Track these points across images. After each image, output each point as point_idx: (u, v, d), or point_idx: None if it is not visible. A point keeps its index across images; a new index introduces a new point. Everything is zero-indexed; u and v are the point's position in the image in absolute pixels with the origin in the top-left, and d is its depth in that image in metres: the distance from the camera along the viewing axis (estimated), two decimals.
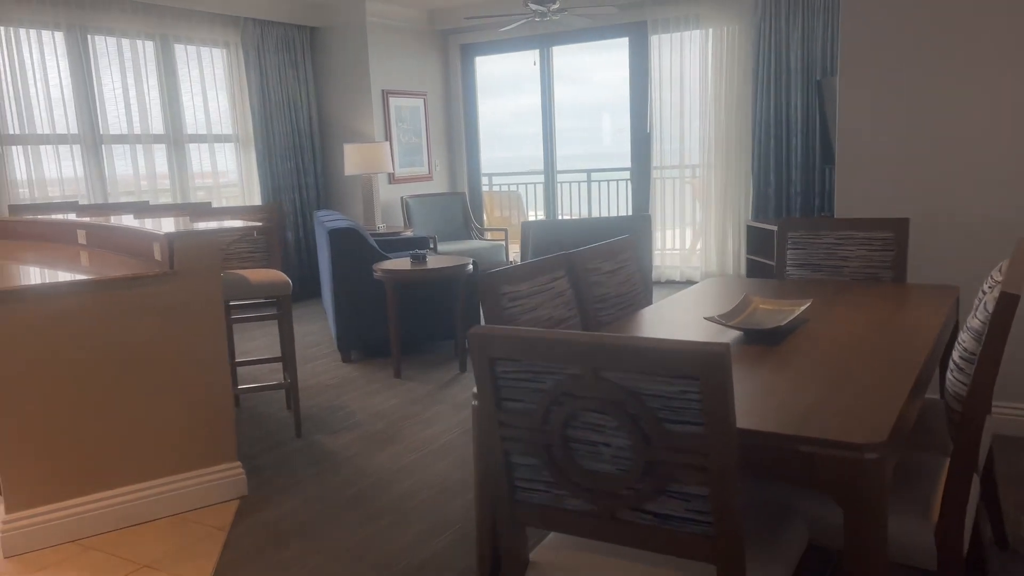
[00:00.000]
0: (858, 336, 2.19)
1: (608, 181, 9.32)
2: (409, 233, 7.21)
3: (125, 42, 6.26)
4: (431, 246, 6.70)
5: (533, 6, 6.24)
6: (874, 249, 3.13)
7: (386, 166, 7.05)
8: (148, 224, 3.34)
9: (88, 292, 2.81)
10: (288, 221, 7.37)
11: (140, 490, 2.97)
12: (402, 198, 7.62)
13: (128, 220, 3.65)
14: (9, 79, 5.54)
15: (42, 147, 5.77)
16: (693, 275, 7.42)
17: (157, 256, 3.08)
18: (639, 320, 2.55)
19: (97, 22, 6.02)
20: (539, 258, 2.45)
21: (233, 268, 4.03)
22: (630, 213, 7.80)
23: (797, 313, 2.32)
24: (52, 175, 5.87)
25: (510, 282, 2.28)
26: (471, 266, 4.87)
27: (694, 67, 6.96)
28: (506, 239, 7.68)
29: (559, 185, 8.40)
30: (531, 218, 9.01)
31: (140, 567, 2.65)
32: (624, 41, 7.42)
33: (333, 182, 7.80)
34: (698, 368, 1.33)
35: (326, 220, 5.60)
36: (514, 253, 8.35)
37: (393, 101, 7.67)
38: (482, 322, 2.63)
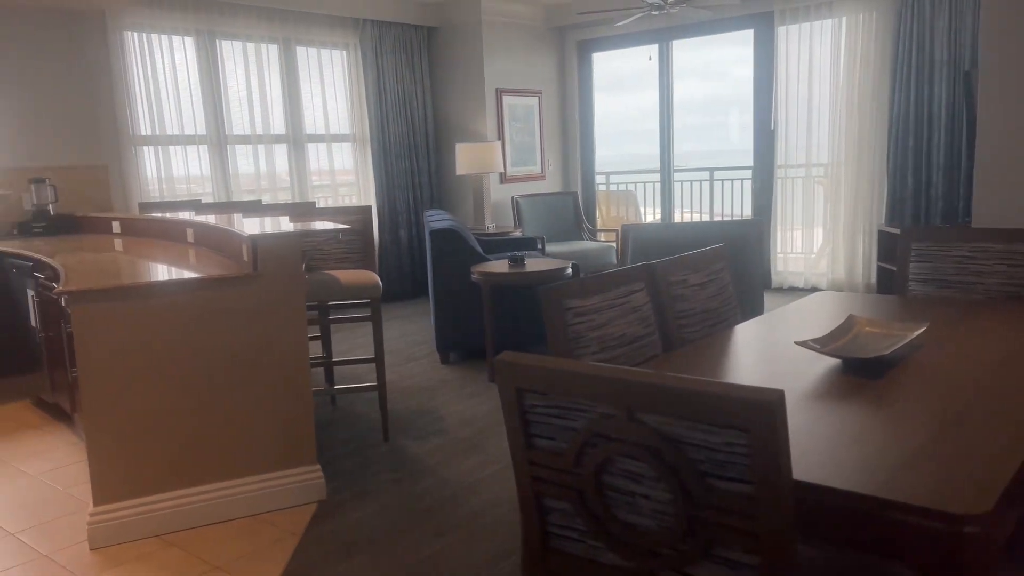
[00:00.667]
0: (979, 372, 1.88)
1: (731, 180, 8.88)
2: (518, 233, 7.12)
3: (250, 46, 6.50)
4: (539, 247, 6.57)
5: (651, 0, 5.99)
6: (1016, 265, 2.73)
7: (497, 166, 6.98)
8: (244, 224, 3.38)
9: (175, 292, 2.86)
10: (401, 220, 7.44)
11: (221, 489, 3.00)
12: (513, 198, 7.54)
13: (232, 220, 3.73)
14: (142, 83, 5.85)
15: (171, 147, 6.07)
16: (819, 282, 6.92)
17: (245, 257, 3.11)
18: (723, 341, 2.31)
19: (225, 27, 6.27)
20: (612, 269, 2.26)
21: (329, 268, 4.05)
22: (751, 214, 7.37)
23: (908, 339, 2.03)
24: (180, 173, 6.16)
25: (577, 295, 2.11)
26: (570, 269, 4.71)
27: (824, 59, 6.47)
28: (617, 240, 7.44)
29: (678, 184, 8.07)
30: (647, 219, 8.72)
31: (212, 568, 2.67)
32: (748, 34, 7.01)
33: (446, 181, 7.82)
34: (746, 418, 1.12)
35: (431, 220, 5.58)
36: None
37: (507, 100, 7.60)
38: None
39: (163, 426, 2.90)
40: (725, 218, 8.52)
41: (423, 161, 7.60)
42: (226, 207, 5.18)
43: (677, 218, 8.25)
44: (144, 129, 5.89)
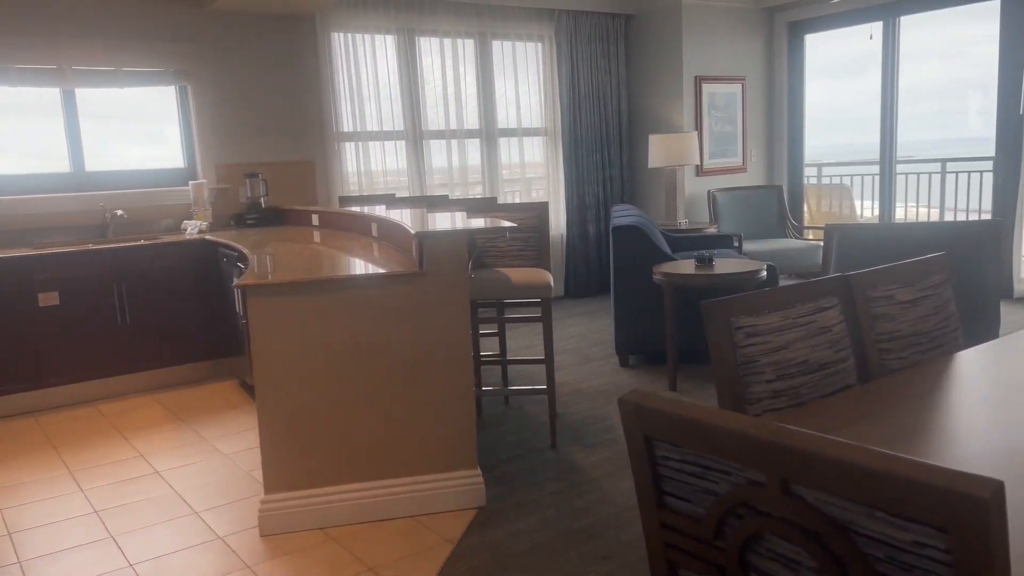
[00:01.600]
0: None
1: (968, 173, 7.81)
2: (713, 230, 6.70)
3: (447, 41, 6.59)
4: (735, 245, 6.12)
5: None
6: None
7: (692, 157, 6.59)
8: (414, 221, 3.36)
9: (342, 288, 2.87)
10: (589, 214, 7.26)
11: (382, 487, 2.99)
12: (709, 191, 7.10)
13: (409, 216, 3.74)
14: (346, 82, 6.12)
15: (371, 143, 6.30)
16: None
17: (414, 252, 3.07)
18: (937, 373, 1.90)
19: (424, 24, 6.41)
20: (797, 282, 1.93)
21: (504, 266, 3.96)
22: (991, 212, 6.41)
23: None
24: (378, 168, 6.39)
25: (749, 312, 1.81)
26: (765, 272, 4.29)
27: None
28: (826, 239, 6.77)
29: (902, 177, 7.21)
30: (864, 215, 7.89)
31: (366, 569, 2.65)
32: (993, 5, 6.07)
33: (638, 175, 7.53)
34: (946, 515, 0.82)
35: (617, 215, 5.36)
36: None
37: (706, 88, 7.16)
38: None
39: (329, 420, 2.93)
40: (956, 217, 7.51)
41: (615, 154, 7.36)
42: (415, 202, 5.27)
43: (900, 215, 7.38)
44: (347, 126, 6.15)
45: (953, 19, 6.66)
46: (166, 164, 5.62)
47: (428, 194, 6.55)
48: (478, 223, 3.09)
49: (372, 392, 2.95)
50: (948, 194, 7.84)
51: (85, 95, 5.26)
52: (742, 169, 7.53)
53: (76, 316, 4.67)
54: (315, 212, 5.26)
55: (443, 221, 3.27)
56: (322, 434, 2.93)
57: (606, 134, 7.30)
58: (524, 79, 7.01)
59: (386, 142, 6.38)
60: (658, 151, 6.62)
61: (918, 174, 7.70)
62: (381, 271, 2.94)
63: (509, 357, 4.20)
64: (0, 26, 4.83)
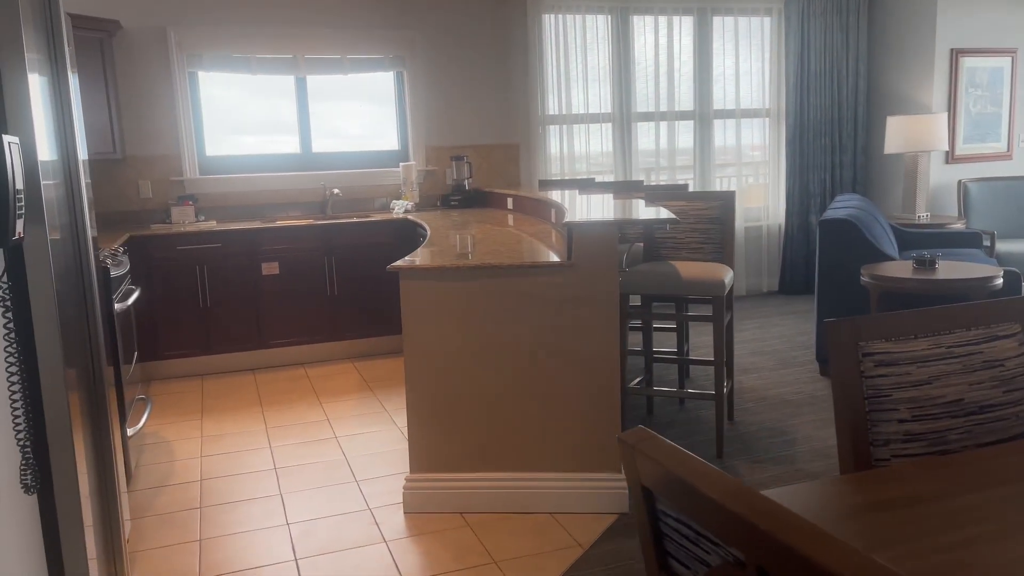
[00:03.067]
0: None
1: None
2: (959, 226, 5.84)
3: (662, 19, 6.33)
4: (984, 244, 5.29)
5: None
6: None
7: (939, 142, 5.77)
8: (567, 210, 3.25)
9: (490, 276, 2.84)
10: (813, 204, 6.65)
11: (523, 480, 2.95)
12: (960, 181, 6.19)
13: (581, 203, 3.64)
14: (555, 64, 6.09)
15: (575, 126, 6.24)
16: None
17: (565, 244, 2.97)
18: None
19: (639, 2, 6.20)
20: (960, 304, 1.57)
21: (681, 259, 3.72)
22: None
23: None
24: (581, 151, 6.30)
25: (886, 335, 1.51)
26: (1000, 279, 3.64)
27: None
28: None
29: None
30: None
31: (489, 562, 2.63)
32: None
33: (874, 162, 6.75)
34: None
35: (835, 206, 4.84)
36: None
37: (965, 62, 6.22)
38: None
39: (475, 407, 2.93)
40: None
41: (847, 138, 6.66)
42: (607, 187, 5.13)
43: None
44: (552, 109, 6.14)
45: None
46: (382, 146, 5.97)
47: (632, 178, 6.37)
48: (634, 214, 2.91)
49: (515, 382, 2.90)
50: None
51: (315, 81, 5.72)
52: (1006, 156, 6.48)
53: (292, 285, 5.13)
54: (510, 196, 5.31)
55: (604, 211, 3.12)
56: (465, 420, 2.94)
57: (837, 116, 6.62)
58: (746, 56, 6.55)
59: (591, 125, 6.28)
60: (897, 134, 5.88)
61: None
62: (529, 260, 2.87)
63: (690, 355, 3.96)
64: (242, 20, 5.38)
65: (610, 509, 2.92)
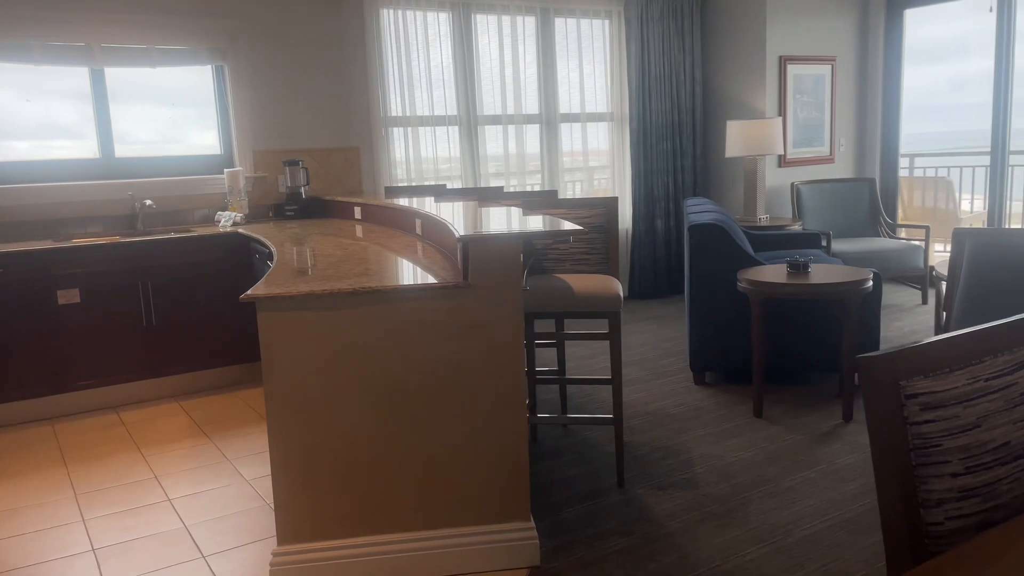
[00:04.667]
0: None
1: None
2: (797, 228, 6.03)
3: (506, 19, 6.06)
4: (822, 244, 5.46)
5: None
6: None
7: (776, 146, 5.93)
8: (461, 221, 2.85)
9: (369, 303, 2.38)
10: (658, 208, 6.65)
11: (421, 539, 2.50)
12: (792, 184, 6.42)
13: (456, 213, 3.24)
14: (395, 63, 5.63)
15: (421, 129, 5.82)
16: None
17: (458, 263, 2.57)
18: None
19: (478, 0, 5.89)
20: (996, 322, 1.35)
21: (564, 271, 3.43)
22: None
23: None
24: (428, 155, 5.90)
25: (927, 370, 1.25)
26: (871, 282, 3.66)
27: None
28: (927, 239, 6.05)
29: (1012, 170, 6.40)
30: (966, 211, 7.08)
31: None
32: None
33: (712, 165, 6.88)
34: None
35: (693, 210, 4.76)
36: (937, 259, 6.62)
37: (792, 69, 6.47)
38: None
39: (357, 459, 2.44)
40: None
41: (687, 142, 6.73)
42: (467, 194, 4.77)
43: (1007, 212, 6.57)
44: (395, 110, 5.68)
45: None
46: (201, 151, 5.23)
47: (482, 184, 6.05)
48: (536, 225, 2.56)
49: (405, 426, 2.45)
50: None
51: (115, 75, 4.89)
52: (829, 160, 6.81)
53: (98, 315, 4.31)
54: (358, 204, 4.80)
55: (496, 222, 2.74)
56: (346, 475, 2.45)
57: (678, 120, 6.67)
58: (589, 59, 6.43)
59: (437, 128, 5.89)
60: (737, 139, 5.98)
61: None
62: (417, 283, 2.43)
63: (569, 374, 3.67)
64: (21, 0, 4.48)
65: (521, 564, 2.54)
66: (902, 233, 6.62)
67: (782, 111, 6.46)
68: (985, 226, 6.52)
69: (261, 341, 2.37)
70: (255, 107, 5.20)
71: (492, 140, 6.16)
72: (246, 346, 4.72)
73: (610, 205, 3.39)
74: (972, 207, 7.09)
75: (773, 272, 3.85)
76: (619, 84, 6.53)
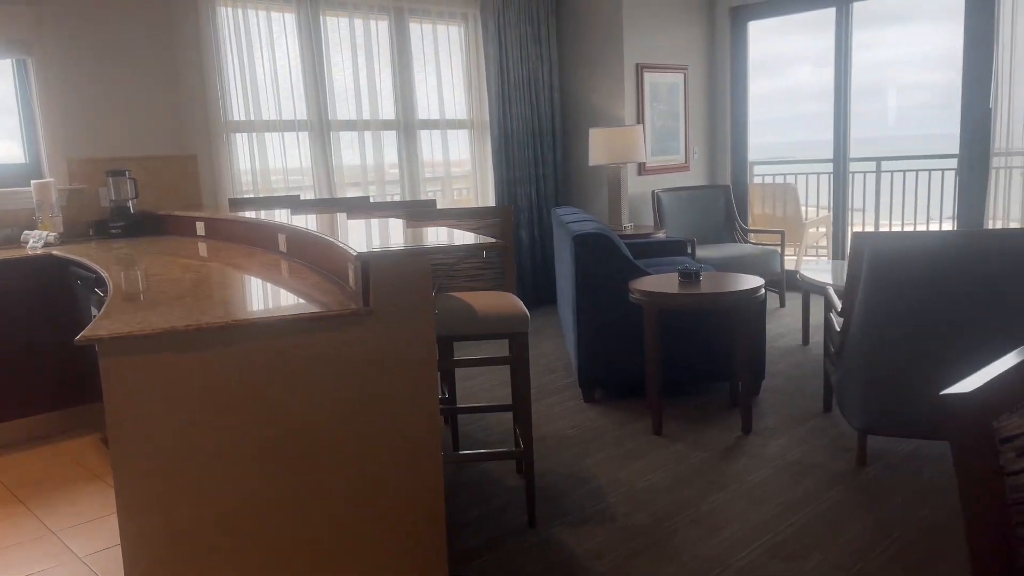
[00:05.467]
0: None
1: (903, 172, 7.49)
2: (661, 235, 6.01)
3: (358, 19, 5.63)
4: (688, 251, 5.45)
5: None
6: None
7: (639, 154, 5.88)
8: (352, 235, 2.44)
9: (251, 338, 1.92)
10: (522, 218, 6.45)
11: None
12: (653, 192, 6.42)
13: (336, 226, 2.81)
14: (237, 63, 5.06)
15: (268, 135, 5.27)
16: None
17: (352, 282, 2.16)
18: None
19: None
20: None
21: (457, 289, 3.09)
22: (955, 212, 5.99)
23: None
24: (277, 164, 5.36)
25: (1013, 405, 1.03)
26: (763, 290, 3.59)
27: None
28: (782, 244, 6.22)
29: (852, 176, 6.74)
30: (812, 216, 7.41)
31: None
32: None
33: (574, 173, 6.78)
34: None
35: (568, 220, 4.56)
36: (807, 268, 6.87)
37: (649, 77, 6.48)
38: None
39: (235, 528, 1.97)
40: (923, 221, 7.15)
41: (547, 150, 6.58)
42: (328, 205, 4.31)
43: (855, 218, 6.92)
44: (237, 114, 5.10)
45: (908, 10, 6.22)
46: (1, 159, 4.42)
47: (338, 194, 5.57)
48: (445, 239, 2.20)
49: (299, 482, 2.01)
50: (884, 194, 7.49)
51: None
52: (685, 167, 6.90)
53: None
54: (201, 219, 4.21)
55: (394, 236, 2.36)
56: (224, 549, 1.97)
57: (538, 127, 6.51)
58: (447, 63, 6.12)
59: (286, 133, 5.35)
60: (600, 146, 5.88)
61: (864, 173, 7.29)
62: (306, 311, 2.01)
63: (460, 404, 3.33)
64: None
65: None
66: (756, 238, 6.80)
67: (641, 119, 6.46)
68: (830, 229, 6.84)
69: (105, 393, 1.86)
70: (68, 109, 4.46)
71: (347, 148, 5.70)
72: (67, 388, 4.00)
73: (504, 214, 3.08)
74: (818, 212, 7.43)
75: (665, 282, 3.70)
76: (478, 90, 6.27)
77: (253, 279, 2.63)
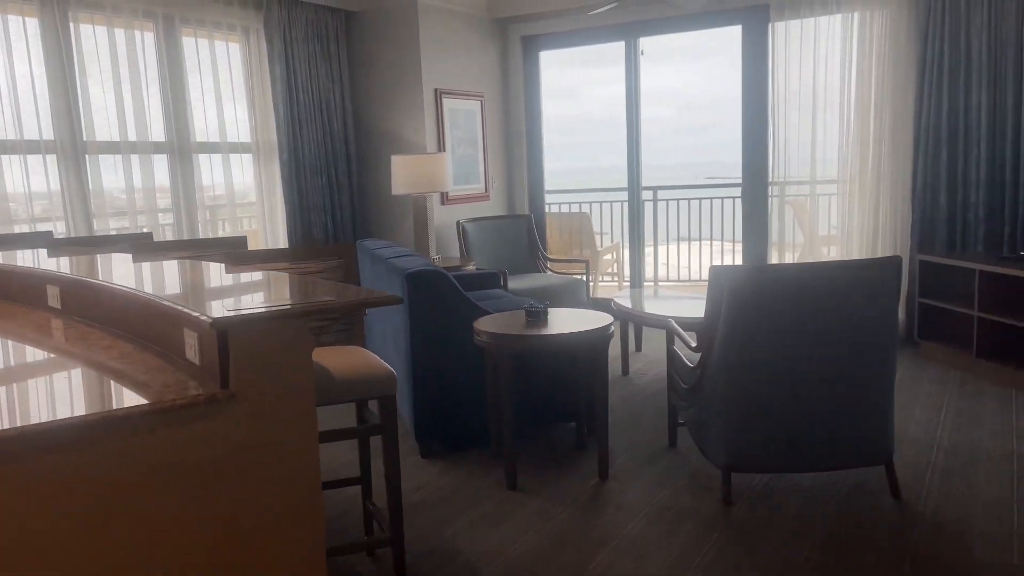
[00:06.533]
0: None
1: (686, 200, 7.95)
2: (472, 267, 5.77)
3: (119, 30, 4.80)
4: (501, 284, 5.24)
5: None
6: None
7: (442, 183, 5.59)
8: (152, 278, 1.88)
9: (52, 449, 1.34)
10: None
11: None
12: (458, 222, 6.17)
13: (124, 268, 2.20)
14: None
15: (5, 156, 4.30)
16: None
17: (191, 355, 1.63)
18: None
19: (82, 1, 4.57)
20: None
21: None
22: (740, 238, 6.37)
23: None
24: (17, 191, 4.40)
25: None
26: (613, 327, 3.43)
27: (833, 60, 5.56)
28: (587, 273, 6.24)
29: (644, 204, 6.97)
30: (606, 244, 7.57)
31: None
32: (735, 30, 6.03)
33: (373, 202, 6.34)
34: None
35: (388, 256, 4.14)
36: (622, 298, 6.94)
37: (447, 103, 6.24)
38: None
39: None
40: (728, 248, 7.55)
41: (343, 176, 6.09)
42: (96, 243, 3.55)
43: (650, 247, 7.15)
44: None
45: (696, 41, 6.57)
46: None
47: (97, 227, 4.69)
48: (324, 294, 1.74)
49: None
50: (672, 221, 7.89)
51: None
52: (485, 197, 6.73)
53: None
54: None
55: (248, 289, 1.84)
56: None
57: (332, 152, 6.00)
58: (227, 79, 5.44)
59: (29, 156, 4.41)
60: (402, 175, 5.50)
61: (649, 202, 7.59)
62: (136, 403, 1.45)
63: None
64: None
65: None
66: (557, 267, 6.78)
67: (442, 146, 6.19)
68: (626, 256, 7.01)
69: None
70: None
71: (108, 172, 4.83)
72: None
73: (346, 253, 2.64)
74: (612, 239, 7.61)
75: (511, 321, 3.42)
76: (263, 110, 5.64)
77: (25, 350, 1.95)
